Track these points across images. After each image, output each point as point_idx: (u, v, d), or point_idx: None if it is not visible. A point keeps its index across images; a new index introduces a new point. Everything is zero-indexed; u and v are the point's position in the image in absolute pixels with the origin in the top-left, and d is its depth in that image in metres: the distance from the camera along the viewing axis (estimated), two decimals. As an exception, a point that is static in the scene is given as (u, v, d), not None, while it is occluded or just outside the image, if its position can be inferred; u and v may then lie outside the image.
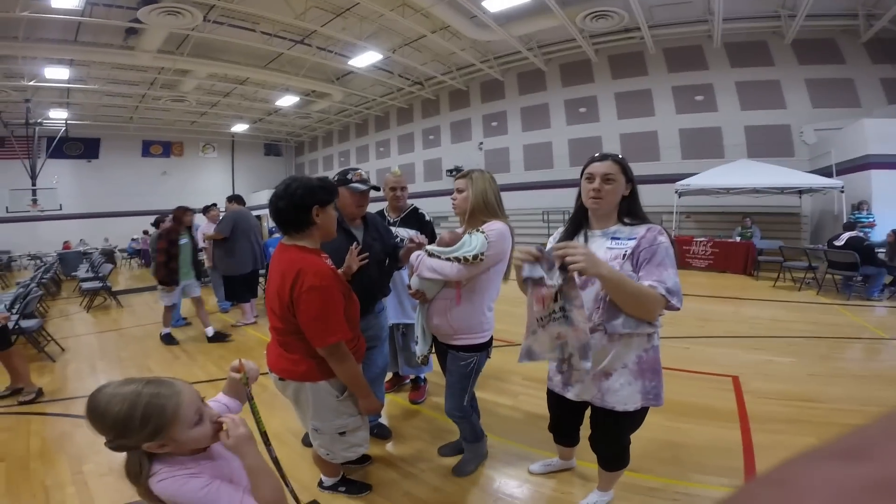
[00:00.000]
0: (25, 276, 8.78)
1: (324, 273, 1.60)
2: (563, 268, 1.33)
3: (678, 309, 1.38)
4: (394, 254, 2.33)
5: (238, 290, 5.52)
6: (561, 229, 1.73)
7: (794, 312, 5.43)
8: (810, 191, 8.80)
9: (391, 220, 2.81)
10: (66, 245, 14.46)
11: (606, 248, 1.50)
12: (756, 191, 8.72)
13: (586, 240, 1.57)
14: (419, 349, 2.06)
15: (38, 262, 11.71)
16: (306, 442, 2.61)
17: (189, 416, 0.94)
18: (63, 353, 4.49)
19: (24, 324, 4.06)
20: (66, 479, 2.30)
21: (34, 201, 14.42)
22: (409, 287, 2.00)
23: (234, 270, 5.37)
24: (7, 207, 14.69)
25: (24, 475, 2.38)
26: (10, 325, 3.71)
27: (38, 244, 14.99)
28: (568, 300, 1.41)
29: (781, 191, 8.88)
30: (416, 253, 1.95)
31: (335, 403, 1.73)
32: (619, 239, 1.49)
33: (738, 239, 8.69)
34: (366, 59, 11.92)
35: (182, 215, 4.85)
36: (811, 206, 9.84)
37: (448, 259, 1.82)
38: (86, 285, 6.92)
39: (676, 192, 8.80)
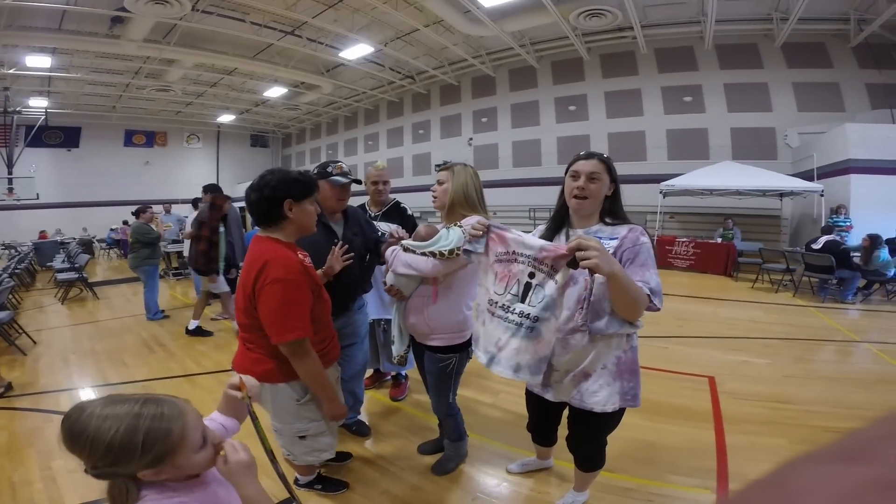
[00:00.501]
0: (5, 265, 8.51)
1: (291, 266, 1.55)
2: (572, 263, 1.30)
3: (658, 309, 1.38)
4: (375, 249, 2.29)
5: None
6: (542, 227, 1.72)
7: (772, 314, 5.54)
8: (791, 194, 8.94)
9: (372, 215, 2.77)
10: (43, 235, 14.09)
11: None
12: (739, 192, 8.82)
13: (567, 238, 1.56)
14: (396, 349, 2.02)
15: (13, 251, 11.37)
16: None
17: (195, 440, 0.83)
18: (35, 347, 4.38)
19: None
20: (34, 476, 2.25)
21: (10, 190, 14.02)
22: (385, 283, 1.96)
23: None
24: (-20, 196, 14.22)
25: (-10, 472, 2.31)
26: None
27: (14, 233, 14.52)
28: (548, 308, 1.37)
29: (764, 193, 9.01)
30: (391, 248, 1.90)
31: (294, 407, 1.69)
32: (600, 238, 1.46)
33: (719, 240, 8.84)
34: (357, 51, 11.75)
35: (223, 202, 4.62)
36: (791, 208, 9.99)
37: (423, 254, 1.77)
38: (61, 276, 6.74)
39: (661, 192, 8.88)
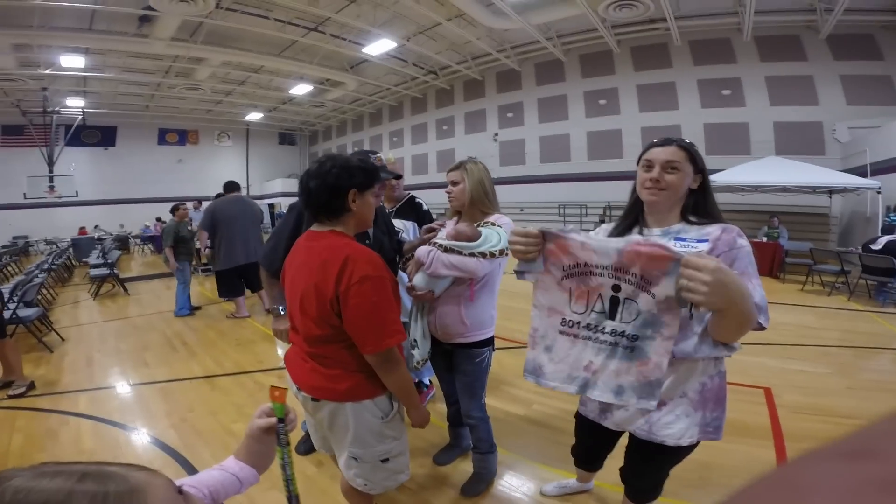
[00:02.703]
0: (41, 260, 8.84)
1: (376, 261, 1.34)
2: (679, 301, 1.03)
3: (764, 328, 1.09)
4: (397, 249, 2.12)
5: (228, 285, 5.05)
6: (607, 225, 1.46)
7: (825, 319, 5.11)
8: (844, 191, 8.36)
9: (385, 211, 2.62)
10: (82, 231, 14.64)
11: None
12: (785, 189, 8.30)
13: None
14: (419, 353, 1.86)
15: (54, 247, 11.84)
16: (299, 449, 2.45)
17: None
18: (62, 344, 4.41)
19: (23, 313, 3.95)
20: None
21: (51, 188, 14.65)
22: (413, 287, 1.78)
23: (222, 265, 4.92)
24: (25, 194, 14.95)
25: None
26: (7, 314, 3.63)
27: (56, 230, 15.25)
28: (648, 325, 1.10)
29: (814, 190, 8.46)
30: (425, 248, 1.73)
31: (379, 426, 1.45)
32: (684, 240, 1.20)
33: (764, 239, 8.29)
34: (380, 46, 11.70)
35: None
36: (842, 206, 9.40)
37: (472, 255, 1.66)
38: (94, 272, 6.89)
39: (700, 188, 8.44)
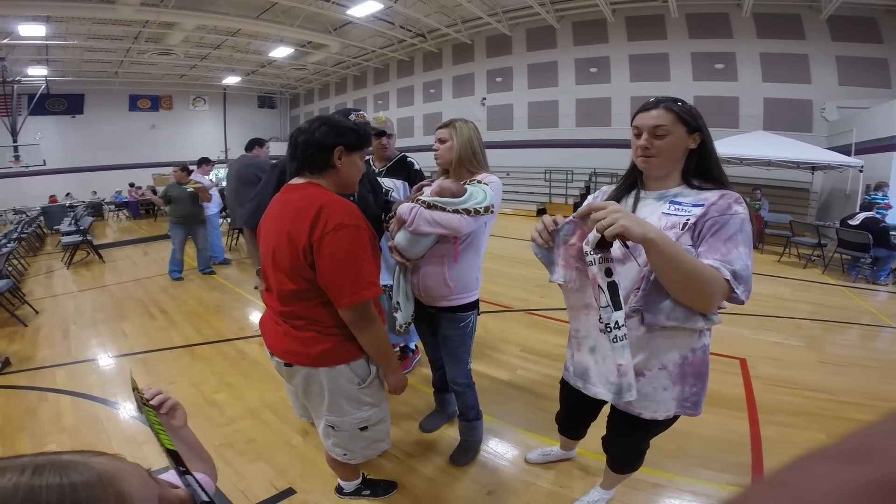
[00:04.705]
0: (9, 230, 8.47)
1: (352, 210, 1.28)
2: (602, 244, 1.01)
3: (743, 302, 1.04)
4: (385, 208, 2.06)
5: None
6: (607, 188, 1.40)
7: (800, 291, 5.27)
8: (827, 167, 8.50)
9: (377, 171, 2.54)
10: (53, 199, 14.11)
11: (662, 213, 1.17)
12: (770, 163, 8.40)
13: (636, 202, 1.25)
14: (402, 316, 1.82)
15: (23, 216, 11.34)
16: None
17: None
18: (36, 316, 4.26)
19: None
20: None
21: (16, 157, 13.98)
22: (394, 246, 1.71)
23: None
24: (-11, 165, 14.21)
25: (-19, 456, 2.20)
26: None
27: (25, 199, 14.61)
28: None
29: (798, 165, 8.57)
30: (406, 205, 1.64)
31: (355, 392, 1.40)
32: (679, 204, 1.14)
33: (745, 212, 8.46)
34: (365, 8, 11.07)
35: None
36: (822, 182, 9.60)
37: (456, 211, 1.59)
38: (66, 239, 6.62)
39: (687, 160, 8.50)
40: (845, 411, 2.56)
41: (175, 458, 0.63)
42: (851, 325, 4.13)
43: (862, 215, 5.92)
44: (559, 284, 1.23)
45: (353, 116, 1.92)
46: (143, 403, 0.78)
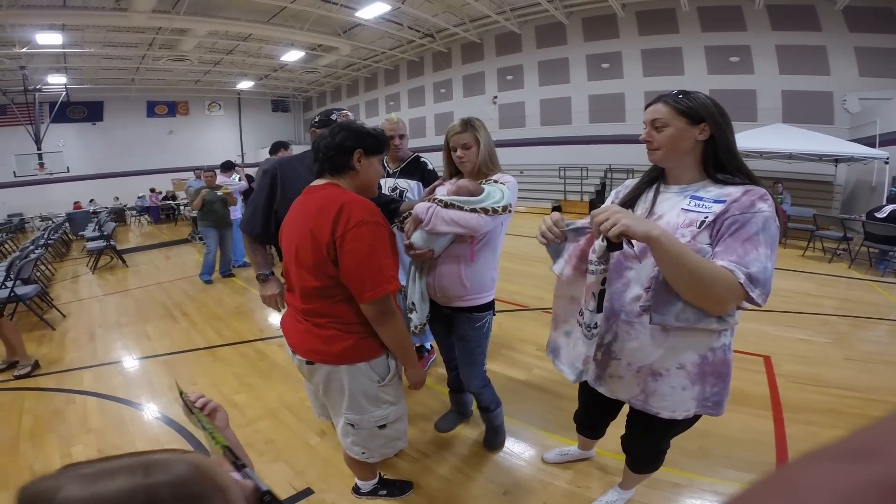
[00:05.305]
0: (36, 236, 8.77)
1: (373, 209, 1.33)
2: (609, 246, 1.02)
3: (759, 305, 1.00)
4: (390, 211, 2.04)
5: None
6: (630, 182, 1.38)
7: (826, 286, 5.10)
8: (851, 160, 8.24)
9: (390, 171, 2.55)
10: (77, 205, 14.53)
11: (681, 208, 1.14)
12: (791, 156, 8.17)
13: (656, 196, 1.23)
14: (417, 317, 1.81)
15: (49, 223, 11.73)
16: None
17: None
18: (64, 320, 4.39)
19: (21, 290, 3.87)
20: (55, 462, 2.19)
21: (41, 165, 14.43)
22: (411, 245, 1.70)
23: None
24: (14, 172, 14.70)
25: (13, 458, 2.26)
26: (5, 292, 3.59)
27: (50, 206, 15.14)
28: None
29: (820, 158, 8.33)
30: (423, 204, 1.65)
31: (375, 390, 1.43)
32: (700, 199, 1.11)
33: (766, 206, 8.26)
34: (373, 10, 11.14)
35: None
36: (846, 175, 9.32)
37: (473, 210, 1.59)
38: (90, 245, 6.83)
39: (705, 153, 8.35)
40: (873, 409, 2.47)
41: (231, 454, 0.68)
42: (880, 321, 3.99)
43: (889, 207, 5.72)
44: (557, 274, 1.29)
45: (335, 115, 1.94)
46: (190, 407, 0.83)
